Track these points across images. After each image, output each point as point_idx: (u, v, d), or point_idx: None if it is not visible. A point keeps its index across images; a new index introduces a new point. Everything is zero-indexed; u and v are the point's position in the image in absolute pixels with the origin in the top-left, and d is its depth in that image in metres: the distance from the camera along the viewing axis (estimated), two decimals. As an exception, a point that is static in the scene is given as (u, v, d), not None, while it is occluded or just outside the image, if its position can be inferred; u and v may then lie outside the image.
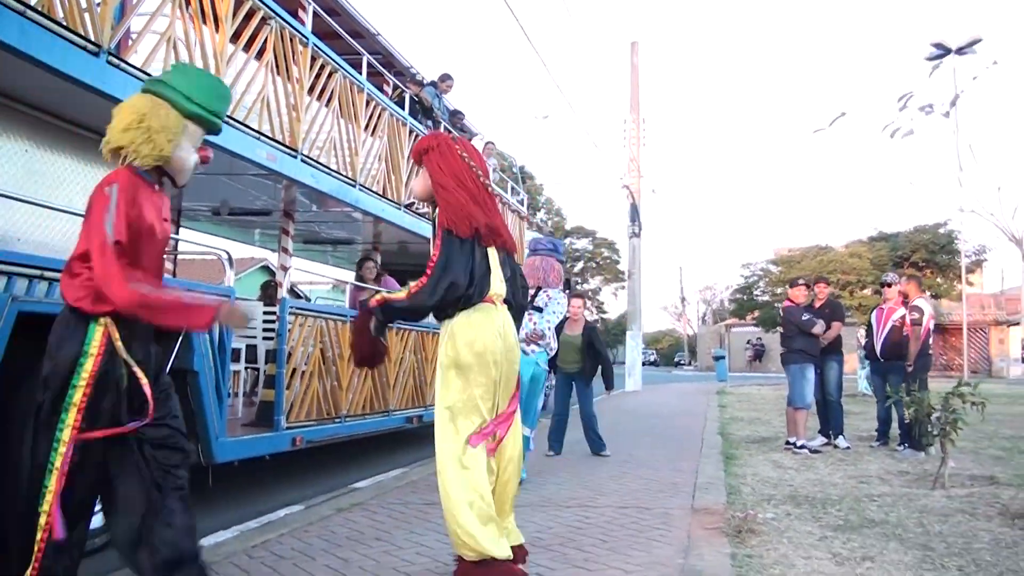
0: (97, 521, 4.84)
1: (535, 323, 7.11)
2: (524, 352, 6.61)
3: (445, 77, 12.40)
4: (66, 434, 3.02)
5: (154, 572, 3.14)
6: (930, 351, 9.94)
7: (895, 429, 9.73)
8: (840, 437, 9.90)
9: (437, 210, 4.15)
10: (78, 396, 3.04)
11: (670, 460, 8.51)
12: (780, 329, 10.25)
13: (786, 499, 6.33)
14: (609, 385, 9.77)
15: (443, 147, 4.20)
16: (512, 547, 3.98)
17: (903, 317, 9.71)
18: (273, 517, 5.70)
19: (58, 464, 3.02)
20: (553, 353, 7.54)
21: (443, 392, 4.00)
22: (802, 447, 9.23)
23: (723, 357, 32.42)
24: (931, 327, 9.82)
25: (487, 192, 4.16)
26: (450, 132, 12.05)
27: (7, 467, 4.32)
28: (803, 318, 9.49)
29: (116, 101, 5.24)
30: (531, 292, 6.96)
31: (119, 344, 3.12)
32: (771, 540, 4.94)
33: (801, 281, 10.26)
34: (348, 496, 6.36)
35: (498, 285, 4.07)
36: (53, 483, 3.01)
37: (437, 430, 4.00)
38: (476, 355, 3.93)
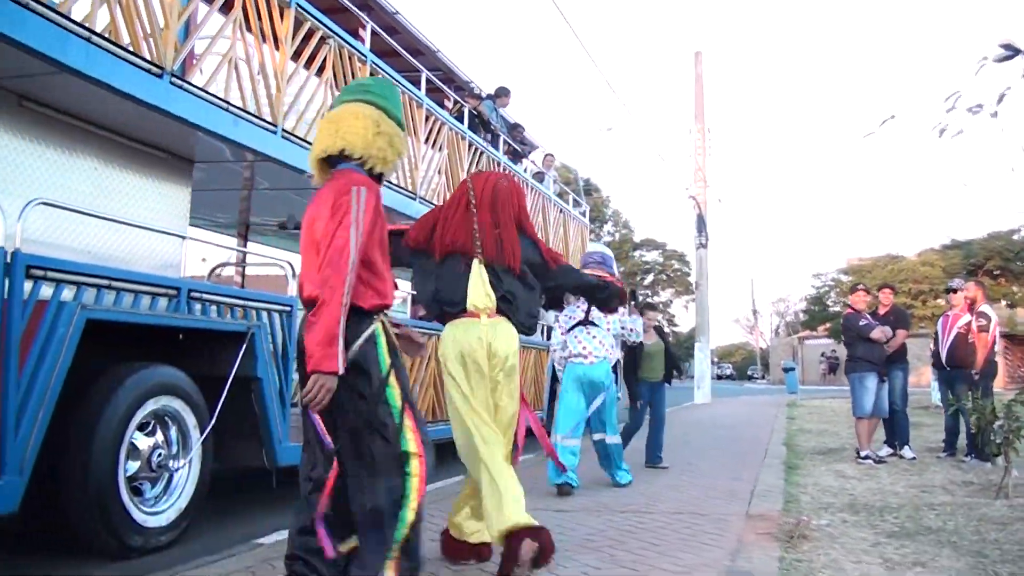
0: (161, 520, 5.07)
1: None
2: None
3: (502, 92, 12.57)
4: (407, 423, 3.36)
5: None
6: (995, 358, 9.73)
7: (963, 440, 9.55)
8: (906, 447, 9.75)
9: None
10: (394, 387, 3.36)
11: (731, 469, 8.49)
12: (843, 336, 10.14)
13: (844, 507, 6.29)
14: (679, 373, 9.89)
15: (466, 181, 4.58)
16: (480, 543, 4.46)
17: (968, 324, 9.55)
18: (332, 519, 5.85)
19: (413, 449, 3.36)
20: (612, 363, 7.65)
21: (447, 397, 4.40)
22: (866, 457, 9.12)
23: (793, 369, 31.92)
24: (997, 334, 9.63)
25: (467, 211, 4.36)
26: (509, 144, 12.27)
27: (79, 462, 4.56)
28: (860, 323, 9.37)
29: (180, 120, 5.53)
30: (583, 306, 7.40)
31: (392, 335, 3.45)
32: (823, 545, 4.93)
33: (860, 286, 10.15)
34: (406, 501, 6.48)
35: (480, 299, 4.26)
36: (417, 467, 3.36)
37: (454, 430, 4.37)
38: (459, 364, 4.24)
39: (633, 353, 8.77)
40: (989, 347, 9.40)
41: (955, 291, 10.06)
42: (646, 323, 9.01)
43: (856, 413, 9.36)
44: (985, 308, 9.67)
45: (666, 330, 9.30)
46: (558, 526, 5.23)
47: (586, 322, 7.42)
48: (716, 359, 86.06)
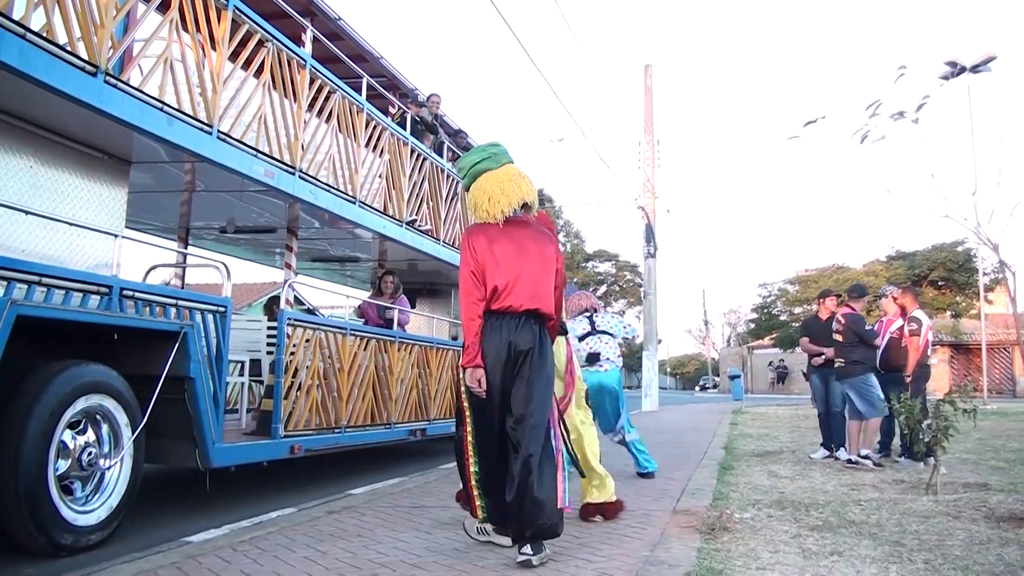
0: (91, 519, 5.06)
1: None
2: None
3: (432, 96, 12.27)
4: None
5: None
6: (928, 362, 9.95)
7: (898, 442, 9.73)
8: (841, 449, 9.92)
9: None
10: None
11: (666, 470, 8.59)
12: (837, 337, 9.80)
13: (772, 504, 6.42)
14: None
15: None
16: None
17: (900, 328, 9.77)
18: (265, 518, 5.87)
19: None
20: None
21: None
22: (867, 457, 9.13)
23: (739, 376, 32.20)
24: (930, 338, 9.84)
25: None
26: (453, 151, 12.29)
27: (7, 460, 4.55)
28: (868, 328, 9.42)
29: (114, 119, 5.54)
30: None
31: None
32: (743, 537, 5.05)
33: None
34: (341, 501, 6.52)
35: None
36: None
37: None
38: None
39: None
40: (920, 350, 9.59)
41: (883, 297, 10.29)
42: None
43: (871, 415, 9.27)
44: (917, 313, 9.87)
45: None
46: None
47: (595, 331, 7.71)
48: (668, 370, 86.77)
